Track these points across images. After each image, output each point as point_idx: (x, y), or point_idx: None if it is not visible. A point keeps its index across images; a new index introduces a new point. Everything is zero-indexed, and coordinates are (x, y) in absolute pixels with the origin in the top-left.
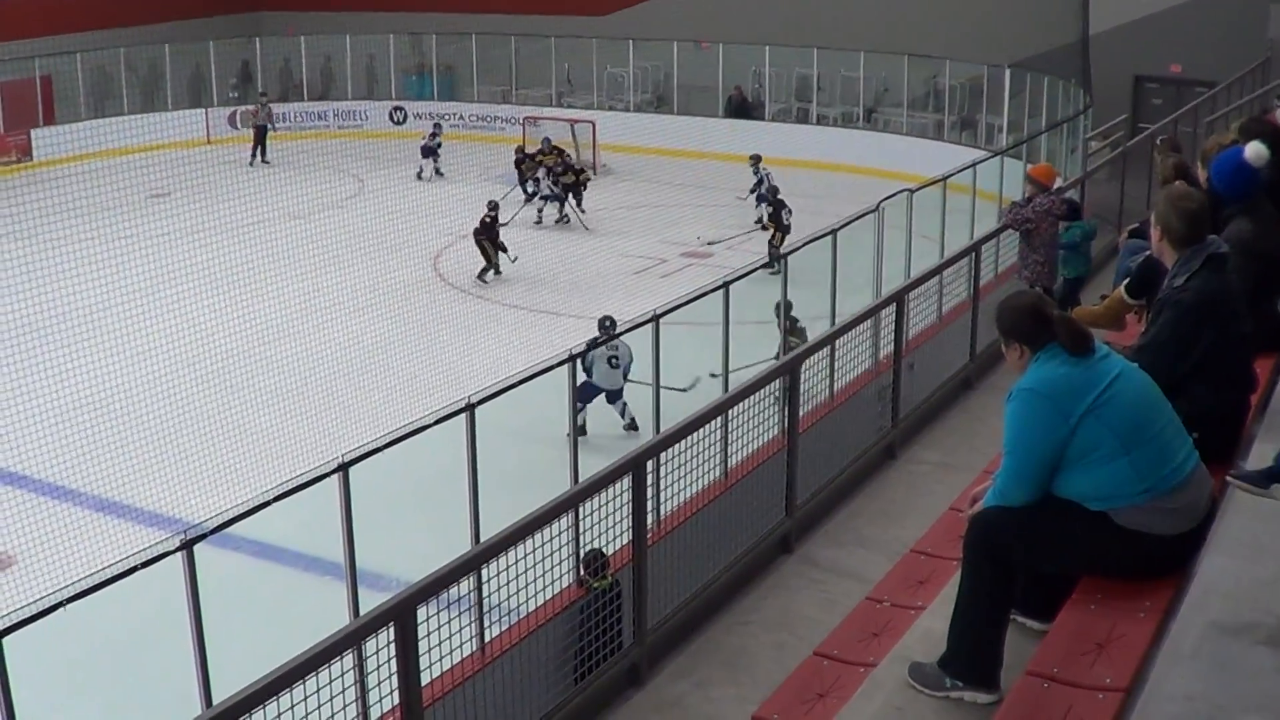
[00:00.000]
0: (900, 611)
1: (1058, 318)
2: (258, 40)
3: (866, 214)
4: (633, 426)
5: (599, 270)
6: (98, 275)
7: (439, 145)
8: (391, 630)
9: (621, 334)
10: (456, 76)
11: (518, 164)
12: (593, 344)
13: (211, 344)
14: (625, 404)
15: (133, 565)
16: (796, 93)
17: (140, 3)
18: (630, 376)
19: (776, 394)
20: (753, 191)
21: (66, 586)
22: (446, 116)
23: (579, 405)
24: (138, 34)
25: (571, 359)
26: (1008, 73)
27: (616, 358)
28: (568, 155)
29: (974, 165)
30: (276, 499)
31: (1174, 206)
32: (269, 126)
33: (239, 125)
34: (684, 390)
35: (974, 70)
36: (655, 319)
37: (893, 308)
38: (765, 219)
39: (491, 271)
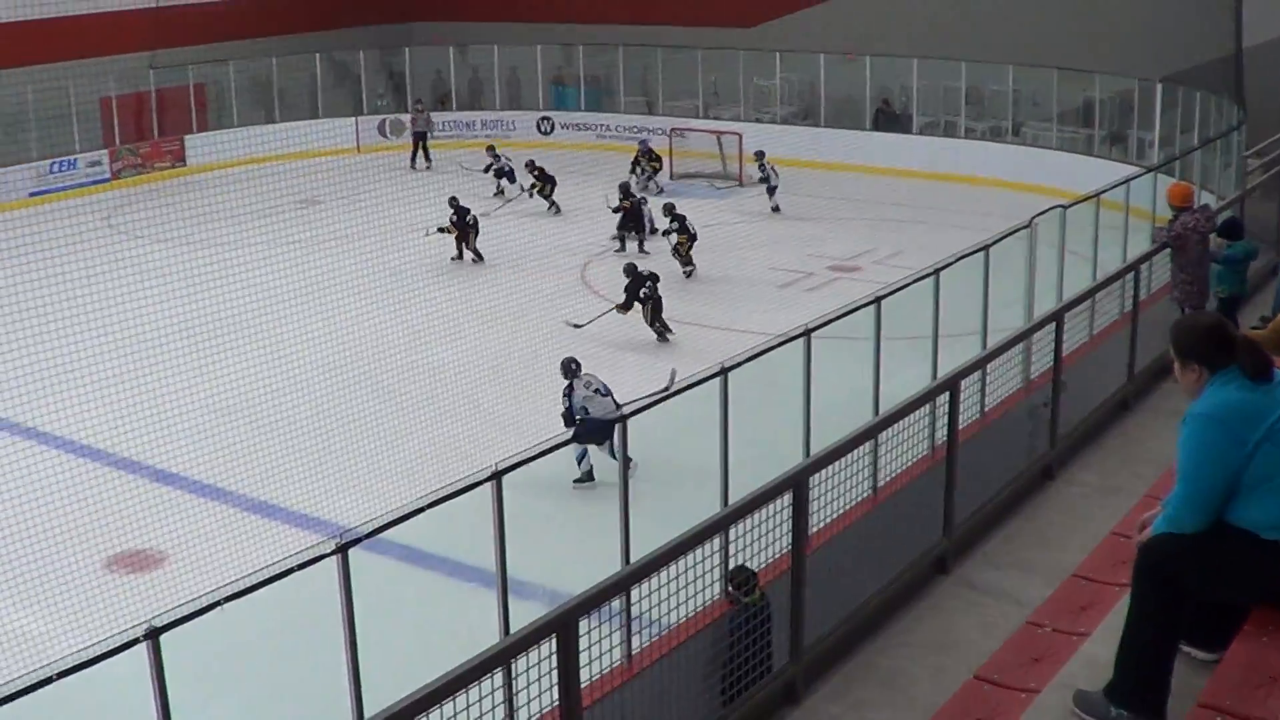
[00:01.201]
0: (1062, 637)
1: (1241, 342)
2: (408, 50)
3: (1018, 230)
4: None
5: (745, 282)
6: (250, 280)
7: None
8: (553, 642)
9: (772, 348)
10: (604, 88)
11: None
12: (570, 390)
13: (361, 349)
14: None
15: (289, 568)
16: (944, 106)
17: (293, 12)
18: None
19: None
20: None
21: (223, 586)
22: (594, 127)
23: (578, 451)
24: (290, 43)
25: (722, 371)
26: (1159, 87)
27: (600, 389)
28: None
29: (1127, 182)
30: (431, 505)
31: None
32: (428, 132)
33: (388, 134)
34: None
35: (1124, 84)
36: (807, 333)
37: (1050, 326)
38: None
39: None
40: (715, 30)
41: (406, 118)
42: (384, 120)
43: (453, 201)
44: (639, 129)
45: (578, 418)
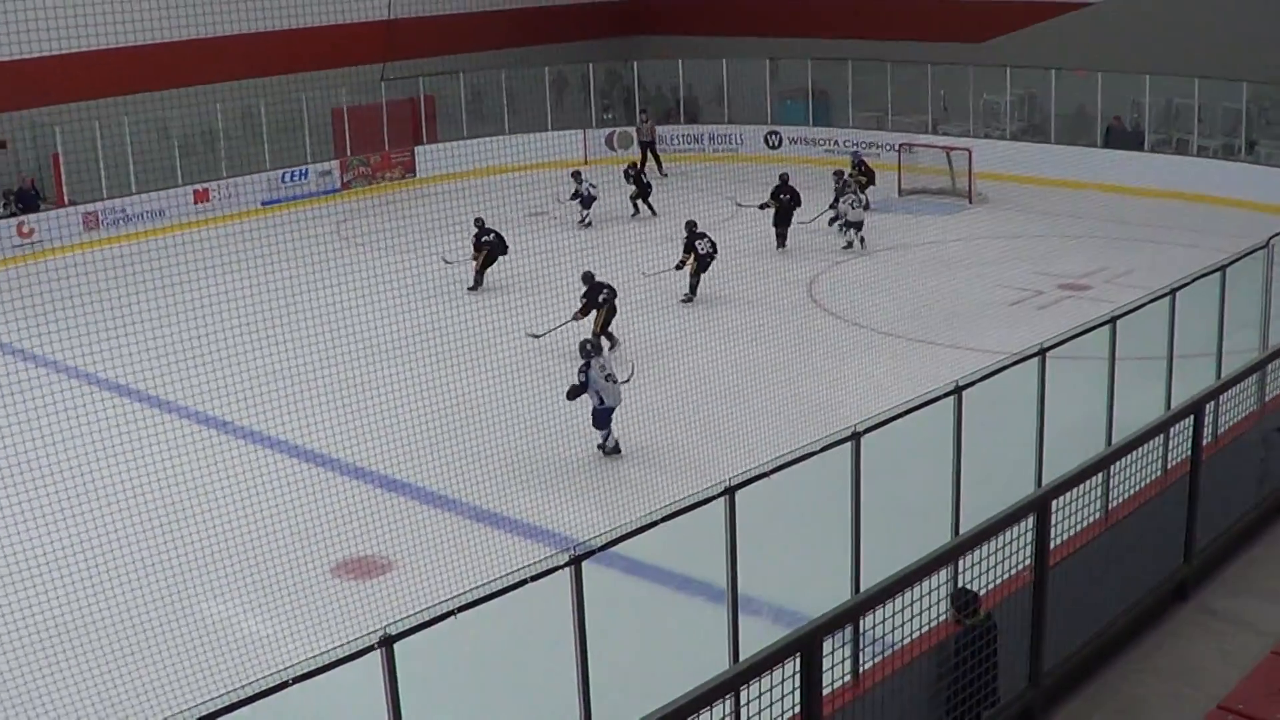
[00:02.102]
0: None
1: None
2: (635, 64)
3: (1256, 250)
4: (616, 450)
5: (974, 300)
6: (475, 294)
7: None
8: (797, 660)
9: (1006, 367)
10: (832, 102)
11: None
12: (585, 368)
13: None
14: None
15: (523, 578)
16: (1176, 123)
17: (522, 25)
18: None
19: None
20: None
21: (456, 596)
22: (822, 142)
23: (604, 431)
24: (519, 55)
25: (957, 390)
26: None
27: (613, 374)
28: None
29: None
30: (665, 519)
31: None
32: (654, 141)
33: (616, 147)
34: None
35: None
36: (1041, 352)
37: None
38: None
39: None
40: (945, 45)
41: (634, 130)
42: (612, 133)
43: (478, 223)
44: (866, 144)
45: (595, 401)
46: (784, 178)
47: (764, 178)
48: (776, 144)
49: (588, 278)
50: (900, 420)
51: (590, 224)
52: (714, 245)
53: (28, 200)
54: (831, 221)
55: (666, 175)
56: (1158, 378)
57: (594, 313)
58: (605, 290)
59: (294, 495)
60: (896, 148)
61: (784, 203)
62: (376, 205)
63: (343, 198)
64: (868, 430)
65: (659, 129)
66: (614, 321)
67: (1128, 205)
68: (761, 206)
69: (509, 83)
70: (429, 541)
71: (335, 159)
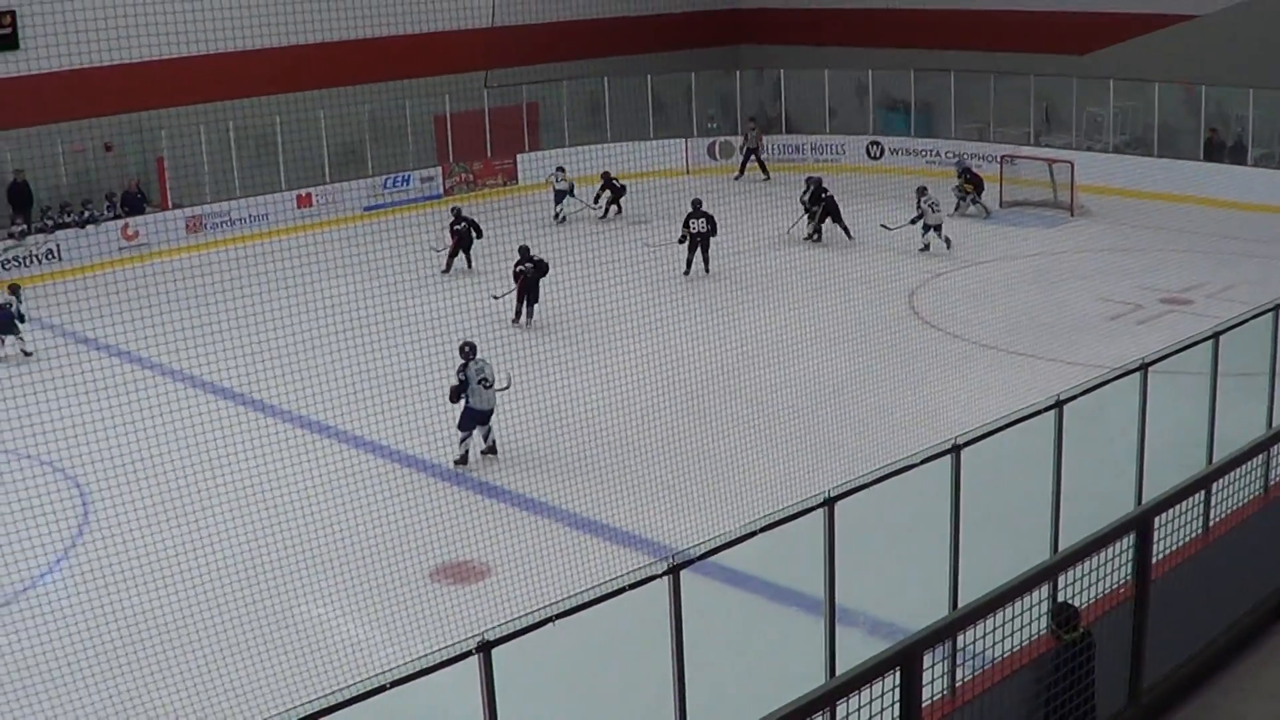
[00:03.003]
0: None
1: None
2: (738, 73)
3: None
4: (492, 450)
5: (1075, 314)
6: (580, 295)
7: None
8: (897, 674)
9: (1107, 381)
10: (934, 113)
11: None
12: (463, 370)
13: (689, 370)
14: (491, 427)
15: (622, 586)
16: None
17: (623, 33)
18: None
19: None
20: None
21: (555, 602)
22: (923, 153)
23: (463, 435)
24: (621, 63)
25: (1058, 403)
26: None
27: (488, 379)
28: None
29: None
30: (766, 529)
31: None
32: (759, 149)
33: (717, 156)
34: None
35: None
36: (1143, 367)
37: None
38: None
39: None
40: (1047, 57)
41: (736, 140)
42: (714, 142)
43: (455, 210)
44: (970, 154)
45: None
46: (818, 181)
47: (867, 189)
48: (878, 155)
49: (522, 250)
50: (1000, 434)
51: (564, 219)
52: (711, 223)
53: (133, 203)
54: (914, 221)
55: (769, 178)
56: (1259, 394)
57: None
58: (527, 264)
59: (394, 499)
60: (998, 159)
61: (827, 201)
62: (479, 211)
63: (445, 204)
64: (968, 443)
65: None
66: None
67: (1231, 220)
68: (912, 222)
69: (611, 91)
70: (527, 548)
71: (438, 165)
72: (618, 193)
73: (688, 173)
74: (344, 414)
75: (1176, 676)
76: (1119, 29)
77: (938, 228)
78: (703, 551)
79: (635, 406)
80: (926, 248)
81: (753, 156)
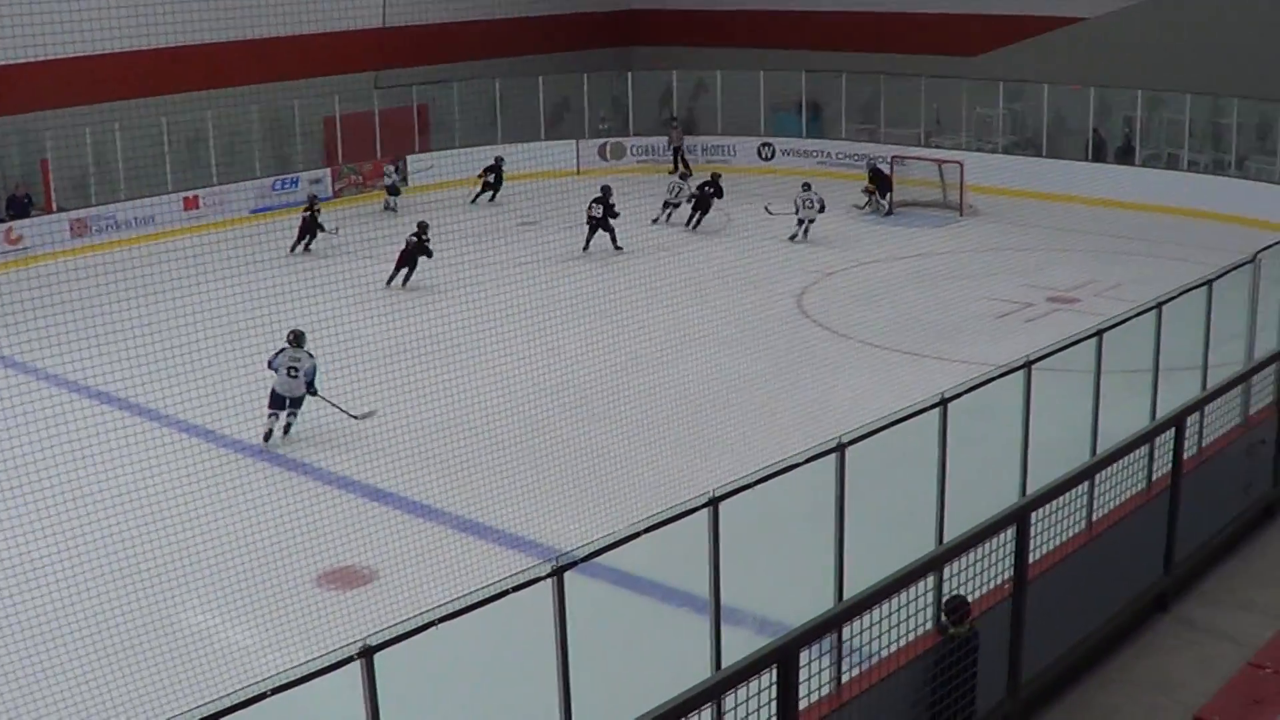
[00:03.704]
0: None
1: None
2: (630, 74)
3: (1242, 264)
4: (285, 431)
5: (963, 312)
6: (469, 298)
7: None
8: (774, 671)
9: (993, 378)
10: (824, 114)
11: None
12: (279, 353)
13: (576, 371)
14: (294, 412)
15: (504, 589)
16: (1167, 138)
17: (516, 34)
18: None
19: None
20: None
21: (437, 606)
22: (815, 154)
23: (270, 413)
24: (512, 65)
25: (942, 402)
26: None
27: (296, 368)
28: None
29: None
30: (649, 529)
31: None
32: (682, 147)
33: (609, 157)
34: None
35: None
36: (1028, 364)
37: (1274, 365)
38: None
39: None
40: (938, 58)
41: (627, 141)
42: (605, 144)
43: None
44: (860, 156)
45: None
46: (716, 176)
47: (757, 190)
48: (769, 156)
49: (421, 225)
50: (886, 432)
51: (396, 210)
52: (605, 210)
53: (18, 207)
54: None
55: (691, 176)
56: (1144, 391)
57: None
58: (412, 240)
59: (279, 505)
60: (889, 160)
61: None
62: (368, 214)
63: (333, 206)
64: (853, 441)
65: (646, 141)
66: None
67: (1118, 219)
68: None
69: (502, 92)
70: (413, 552)
71: (327, 167)
72: (492, 183)
73: (579, 173)
74: (229, 419)
75: (1055, 670)
76: (1009, 31)
77: (810, 222)
78: (587, 553)
79: (522, 408)
80: (793, 237)
81: (679, 155)
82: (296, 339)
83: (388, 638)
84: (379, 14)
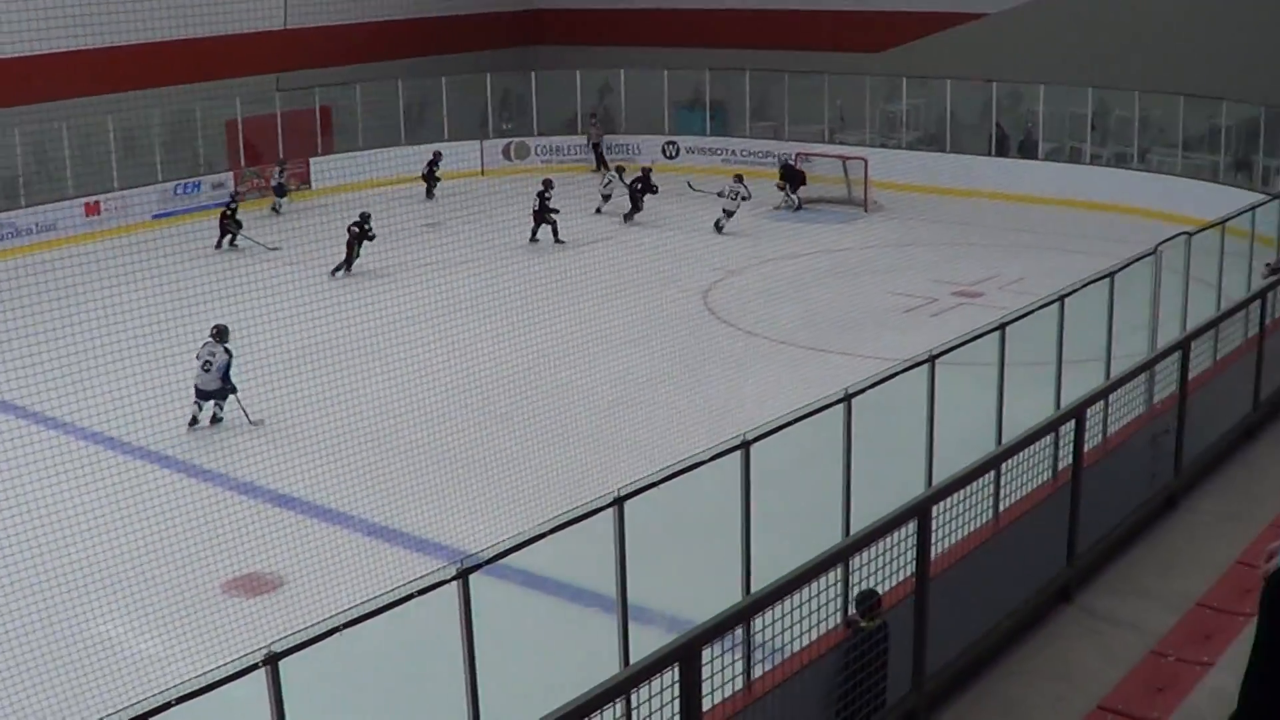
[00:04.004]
0: (1186, 667)
1: None
2: (533, 74)
3: (1144, 256)
4: (216, 420)
5: (870, 308)
6: (373, 302)
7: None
8: (676, 670)
9: (896, 373)
10: (729, 112)
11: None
12: (202, 345)
13: (484, 372)
14: (219, 404)
15: (409, 593)
16: (1070, 132)
17: (419, 35)
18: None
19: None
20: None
21: (343, 611)
22: (720, 151)
23: (195, 402)
24: (415, 66)
25: (846, 397)
26: None
27: (210, 362)
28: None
29: (1252, 209)
30: (553, 530)
31: None
32: (601, 143)
33: (513, 157)
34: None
35: (1251, 110)
36: (931, 359)
37: (1176, 355)
38: None
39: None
40: (843, 55)
41: (531, 141)
42: (509, 144)
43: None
44: (765, 153)
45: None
46: (647, 172)
47: (663, 188)
48: (674, 154)
49: (363, 215)
50: (794, 428)
51: (280, 211)
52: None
53: None
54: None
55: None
56: (1050, 384)
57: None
58: (354, 229)
59: (185, 512)
60: (793, 157)
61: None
62: (271, 217)
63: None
64: (757, 438)
65: (553, 141)
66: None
67: (1022, 213)
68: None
69: (406, 93)
70: (321, 557)
71: (229, 171)
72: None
73: (482, 174)
74: (131, 426)
75: (960, 663)
76: (913, 27)
77: (730, 212)
78: (492, 555)
79: (429, 410)
80: (717, 224)
81: (598, 152)
82: (218, 333)
83: (293, 644)
84: (280, 15)
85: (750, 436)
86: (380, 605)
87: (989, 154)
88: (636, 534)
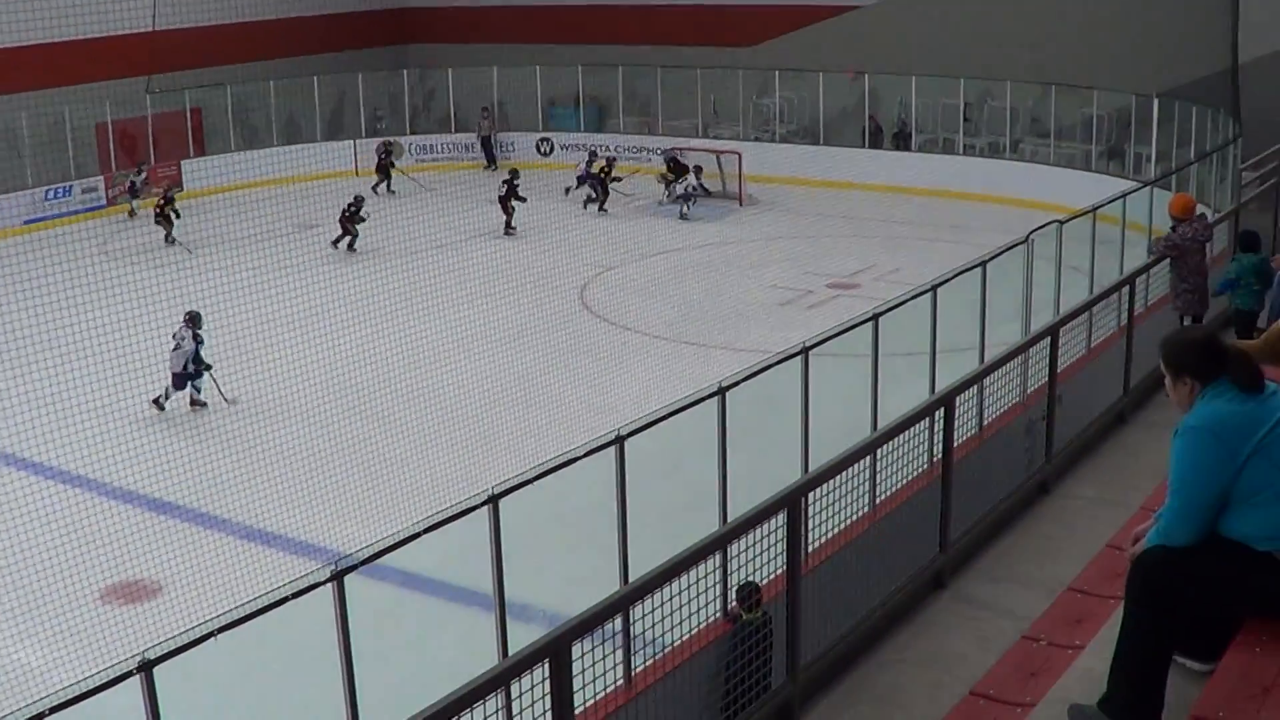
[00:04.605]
0: (1058, 651)
1: (1233, 354)
2: (405, 72)
3: (1016, 245)
4: (198, 403)
5: (746, 301)
6: (246, 304)
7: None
8: (546, 666)
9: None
10: (603, 108)
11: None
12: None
13: (360, 373)
14: (195, 386)
15: (284, 596)
16: (943, 123)
17: (290, 35)
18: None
19: None
20: None
21: (217, 617)
22: (595, 147)
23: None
24: (287, 66)
25: (720, 391)
26: (1156, 102)
27: (179, 345)
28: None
29: (1124, 196)
30: (428, 530)
31: None
32: (492, 137)
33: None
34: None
35: (1122, 100)
36: (804, 351)
37: (1046, 341)
38: None
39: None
40: (715, 49)
41: (405, 140)
42: (382, 143)
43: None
44: (639, 148)
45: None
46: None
47: (538, 185)
48: (548, 151)
49: (358, 201)
50: (671, 423)
51: (135, 214)
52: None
53: None
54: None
55: (496, 169)
56: (924, 373)
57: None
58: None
59: (61, 520)
60: (668, 150)
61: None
62: (143, 221)
63: (108, 214)
64: (632, 434)
65: (418, 139)
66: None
67: (896, 204)
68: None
69: (278, 94)
70: (200, 563)
71: (100, 174)
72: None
73: (357, 174)
74: (6, 434)
75: (836, 651)
76: (784, 21)
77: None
78: (367, 555)
79: (305, 413)
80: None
81: (487, 147)
82: (190, 319)
83: (167, 650)
84: (149, 17)
85: (624, 432)
86: (255, 609)
87: (863, 146)
88: (517, 532)
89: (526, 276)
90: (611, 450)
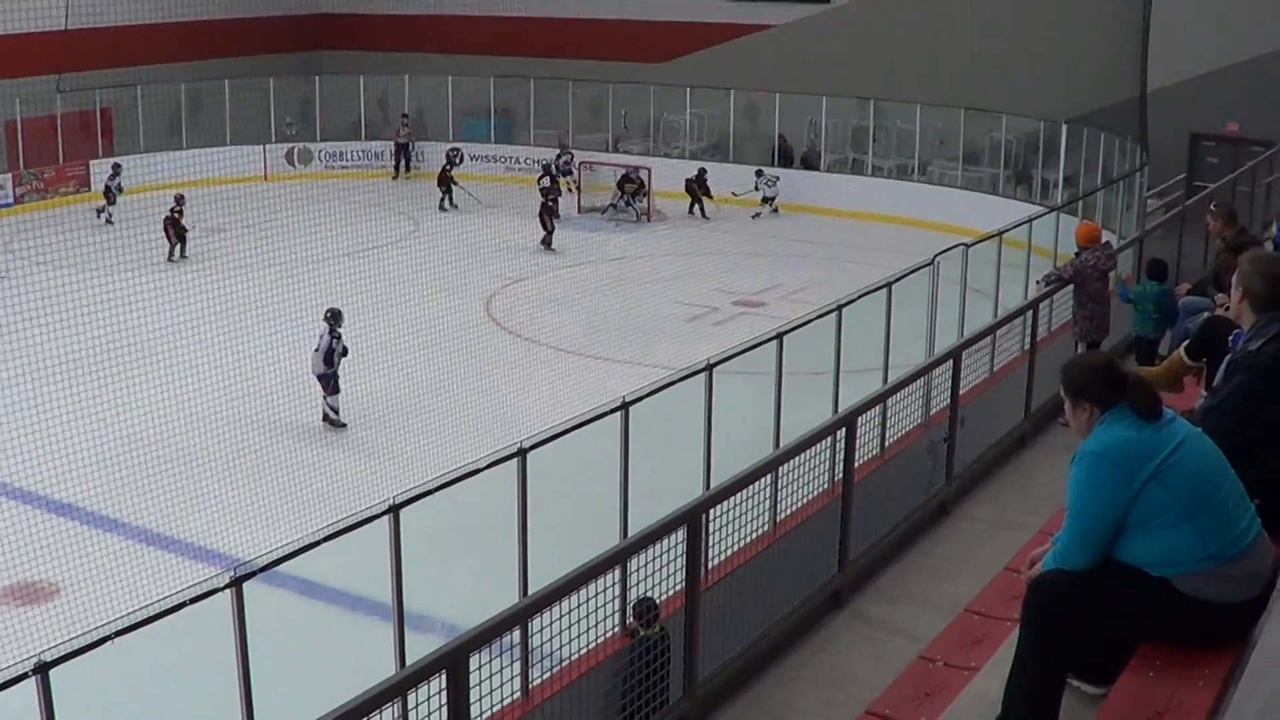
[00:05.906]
0: (954, 672)
1: (1132, 380)
2: (318, 78)
3: (921, 267)
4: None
5: (652, 317)
6: (152, 308)
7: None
8: (443, 678)
9: (673, 382)
10: (514, 120)
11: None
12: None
13: (263, 380)
14: (333, 393)
15: (181, 601)
16: (852, 144)
17: (202, 38)
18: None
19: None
20: None
21: (114, 620)
22: (503, 159)
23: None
24: (198, 69)
25: (623, 405)
26: (1064, 128)
27: (318, 345)
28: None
29: (1030, 221)
30: (327, 538)
31: (1259, 269)
32: (410, 144)
33: (296, 163)
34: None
35: (1030, 125)
36: (709, 367)
37: (949, 363)
38: None
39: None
40: (626, 64)
41: (315, 146)
42: (292, 149)
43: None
44: (548, 161)
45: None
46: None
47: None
48: (459, 161)
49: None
50: (575, 437)
51: (111, 221)
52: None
53: None
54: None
55: (410, 178)
56: (828, 393)
57: None
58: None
59: None
60: (577, 166)
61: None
62: (50, 220)
63: (14, 212)
64: (534, 446)
65: (333, 147)
66: None
67: (805, 223)
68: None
69: (189, 96)
70: (98, 566)
71: (8, 172)
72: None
73: (265, 179)
74: None
75: (733, 668)
76: (697, 38)
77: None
78: (266, 562)
79: (209, 418)
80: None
81: (404, 154)
82: (331, 316)
83: (63, 653)
84: (61, 15)
85: (527, 444)
86: (153, 613)
87: (772, 165)
88: (418, 543)
89: (432, 286)
90: (514, 462)
